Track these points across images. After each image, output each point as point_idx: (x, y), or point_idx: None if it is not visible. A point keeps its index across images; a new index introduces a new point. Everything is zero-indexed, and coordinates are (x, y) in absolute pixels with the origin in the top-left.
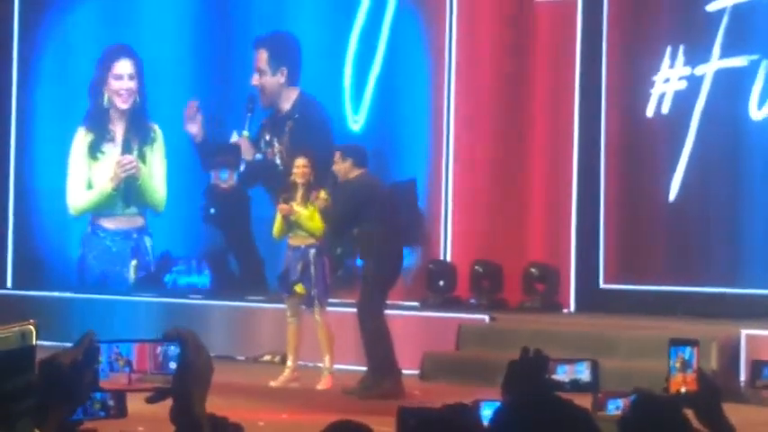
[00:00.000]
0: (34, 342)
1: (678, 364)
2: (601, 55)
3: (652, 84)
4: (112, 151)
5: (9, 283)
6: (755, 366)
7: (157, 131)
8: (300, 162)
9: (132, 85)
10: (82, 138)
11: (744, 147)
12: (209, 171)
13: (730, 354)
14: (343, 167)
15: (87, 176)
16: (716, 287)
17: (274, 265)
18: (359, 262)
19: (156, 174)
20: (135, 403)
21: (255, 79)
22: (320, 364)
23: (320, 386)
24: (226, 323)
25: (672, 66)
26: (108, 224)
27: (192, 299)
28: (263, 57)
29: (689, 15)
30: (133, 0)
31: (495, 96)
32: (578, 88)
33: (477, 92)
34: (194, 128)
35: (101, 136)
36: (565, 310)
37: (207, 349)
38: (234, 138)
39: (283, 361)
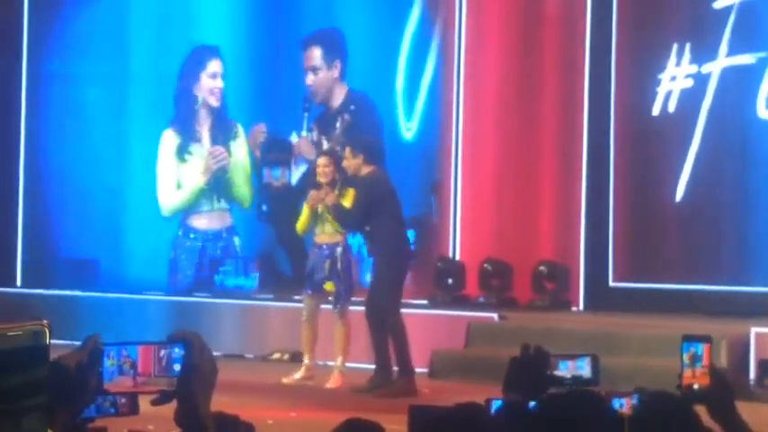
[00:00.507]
0: (47, 341)
1: (688, 359)
2: (610, 54)
3: (659, 82)
4: (199, 151)
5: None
6: (764, 365)
7: (239, 128)
8: (321, 162)
9: (222, 84)
10: (170, 139)
11: (752, 145)
12: (262, 169)
13: (739, 352)
14: (353, 163)
15: (177, 177)
16: (724, 285)
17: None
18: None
19: (241, 169)
20: (143, 404)
21: (309, 79)
22: (331, 363)
23: (329, 384)
24: (235, 321)
25: (678, 64)
26: (198, 223)
27: (198, 297)
28: (316, 54)
29: (696, 13)
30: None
31: (504, 96)
32: (587, 87)
33: (485, 91)
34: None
35: (188, 137)
36: (574, 309)
37: (211, 351)
38: (294, 138)
39: (293, 359)
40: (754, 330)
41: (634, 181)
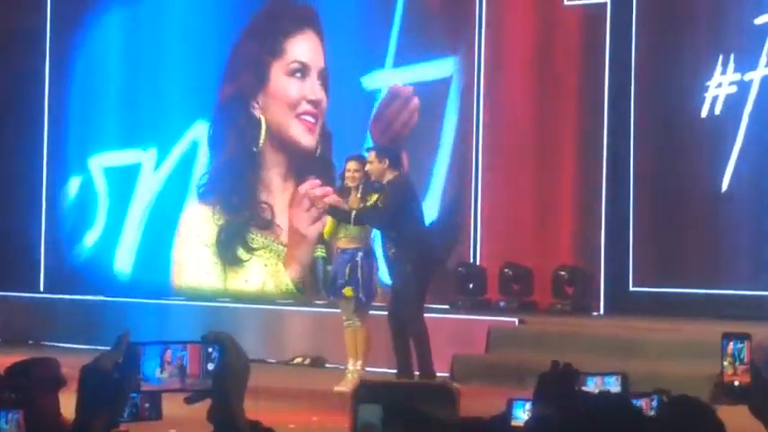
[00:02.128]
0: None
1: (728, 357)
2: (630, 57)
3: (683, 88)
4: None
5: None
6: None
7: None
8: (351, 166)
9: None
10: None
11: None
12: None
13: (763, 357)
14: (379, 168)
15: None
16: (745, 290)
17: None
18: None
19: None
20: (170, 405)
21: None
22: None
23: (342, 387)
24: (257, 326)
25: (723, 72)
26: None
27: (220, 302)
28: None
29: (739, 28)
30: (161, 5)
31: (524, 99)
32: (608, 90)
33: (505, 95)
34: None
35: None
36: (594, 313)
37: (245, 352)
38: None
39: (314, 364)
40: None
41: (656, 185)
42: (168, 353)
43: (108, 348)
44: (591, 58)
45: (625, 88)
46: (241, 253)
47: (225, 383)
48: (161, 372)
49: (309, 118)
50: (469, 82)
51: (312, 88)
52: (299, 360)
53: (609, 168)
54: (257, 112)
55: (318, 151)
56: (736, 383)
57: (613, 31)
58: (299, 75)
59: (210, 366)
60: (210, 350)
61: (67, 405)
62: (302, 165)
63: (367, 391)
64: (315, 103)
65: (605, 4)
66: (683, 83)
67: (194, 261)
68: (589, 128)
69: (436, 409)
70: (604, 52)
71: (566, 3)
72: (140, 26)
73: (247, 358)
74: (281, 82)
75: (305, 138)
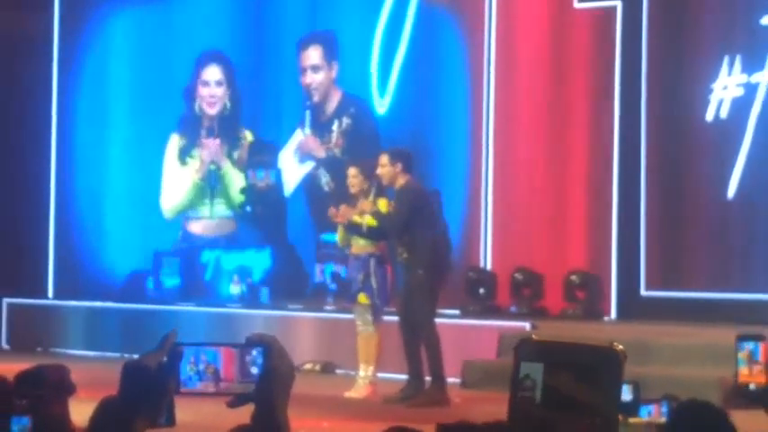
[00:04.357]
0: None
1: (744, 358)
2: (640, 61)
3: (692, 90)
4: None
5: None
6: None
7: (247, 137)
8: (351, 172)
9: (219, 91)
10: (174, 143)
11: None
12: (247, 171)
13: None
14: (391, 171)
15: (178, 180)
16: (756, 294)
17: (310, 269)
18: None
19: (238, 176)
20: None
21: (309, 77)
22: (376, 372)
23: (353, 393)
24: (265, 332)
25: (730, 74)
26: (196, 228)
27: (231, 308)
28: (316, 53)
29: (746, 28)
30: (172, 6)
31: (534, 104)
32: (618, 94)
33: (516, 99)
34: None
35: (191, 142)
36: (606, 318)
37: (289, 355)
38: (299, 135)
39: (324, 370)
40: None
41: (666, 190)
42: (203, 356)
43: (117, 355)
44: (601, 59)
45: (636, 91)
46: None
47: (269, 388)
48: (195, 374)
49: None
50: (479, 89)
51: None
52: (308, 366)
53: (620, 173)
54: None
55: None
56: (752, 386)
57: (624, 33)
58: None
59: (254, 370)
60: (255, 353)
61: (77, 412)
62: None
63: (530, 348)
64: None
65: (615, 6)
66: (689, 85)
67: None
68: (600, 133)
69: (601, 373)
70: (614, 54)
71: (576, 5)
72: (149, 29)
73: (292, 362)
74: None
75: None
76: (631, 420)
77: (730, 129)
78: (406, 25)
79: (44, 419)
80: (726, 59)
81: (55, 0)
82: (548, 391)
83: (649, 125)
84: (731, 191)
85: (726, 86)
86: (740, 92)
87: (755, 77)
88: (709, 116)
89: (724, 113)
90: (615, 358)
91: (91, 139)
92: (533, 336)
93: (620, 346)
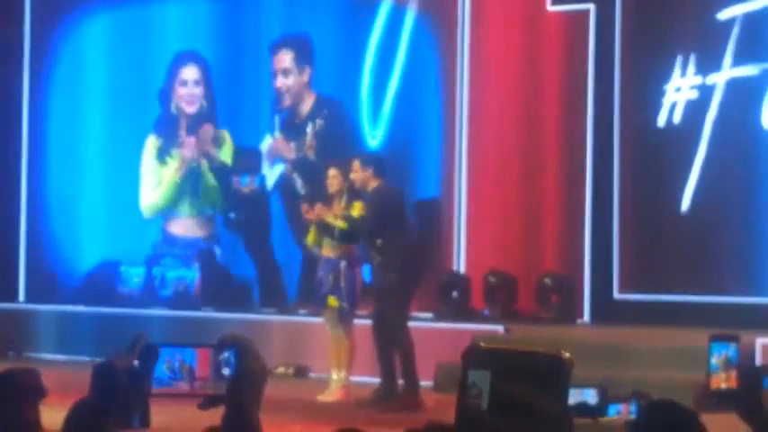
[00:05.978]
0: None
1: (721, 363)
2: (613, 64)
3: (664, 93)
4: (180, 155)
5: (22, 296)
6: None
7: (226, 137)
8: (331, 173)
9: (197, 90)
10: (152, 144)
11: (756, 156)
12: (230, 176)
13: (749, 364)
14: (363, 176)
15: (157, 180)
16: (730, 296)
17: (291, 273)
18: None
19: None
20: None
21: (279, 81)
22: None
23: (325, 397)
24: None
25: (683, 75)
26: (177, 229)
27: (203, 311)
28: (287, 57)
29: (700, 24)
30: (146, 10)
31: (508, 106)
32: (591, 97)
33: (488, 102)
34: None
35: (169, 141)
36: (579, 321)
37: (262, 356)
38: (267, 139)
39: (297, 373)
40: (759, 342)
41: (639, 192)
42: (178, 355)
43: (88, 359)
44: (575, 62)
45: (609, 94)
46: None
47: (241, 389)
48: (170, 373)
49: None
50: (452, 90)
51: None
52: (282, 370)
53: (592, 176)
54: None
55: None
56: (724, 387)
57: (597, 37)
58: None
59: (226, 371)
60: (227, 354)
61: (48, 415)
62: None
63: (478, 356)
64: None
65: (588, 10)
66: (640, 87)
67: None
68: (573, 136)
69: (548, 380)
70: (587, 57)
71: (550, 7)
72: (125, 32)
73: (265, 363)
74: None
75: None
76: (602, 420)
77: (683, 135)
78: (377, 27)
79: (15, 423)
80: (679, 59)
81: (26, 4)
82: (495, 398)
83: (622, 128)
84: (685, 202)
85: (679, 88)
86: (695, 94)
87: (711, 79)
88: (660, 122)
89: (676, 119)
90: (562, 365)
91: (64, 143)
92: (481, 343)
93: (567, 354)
